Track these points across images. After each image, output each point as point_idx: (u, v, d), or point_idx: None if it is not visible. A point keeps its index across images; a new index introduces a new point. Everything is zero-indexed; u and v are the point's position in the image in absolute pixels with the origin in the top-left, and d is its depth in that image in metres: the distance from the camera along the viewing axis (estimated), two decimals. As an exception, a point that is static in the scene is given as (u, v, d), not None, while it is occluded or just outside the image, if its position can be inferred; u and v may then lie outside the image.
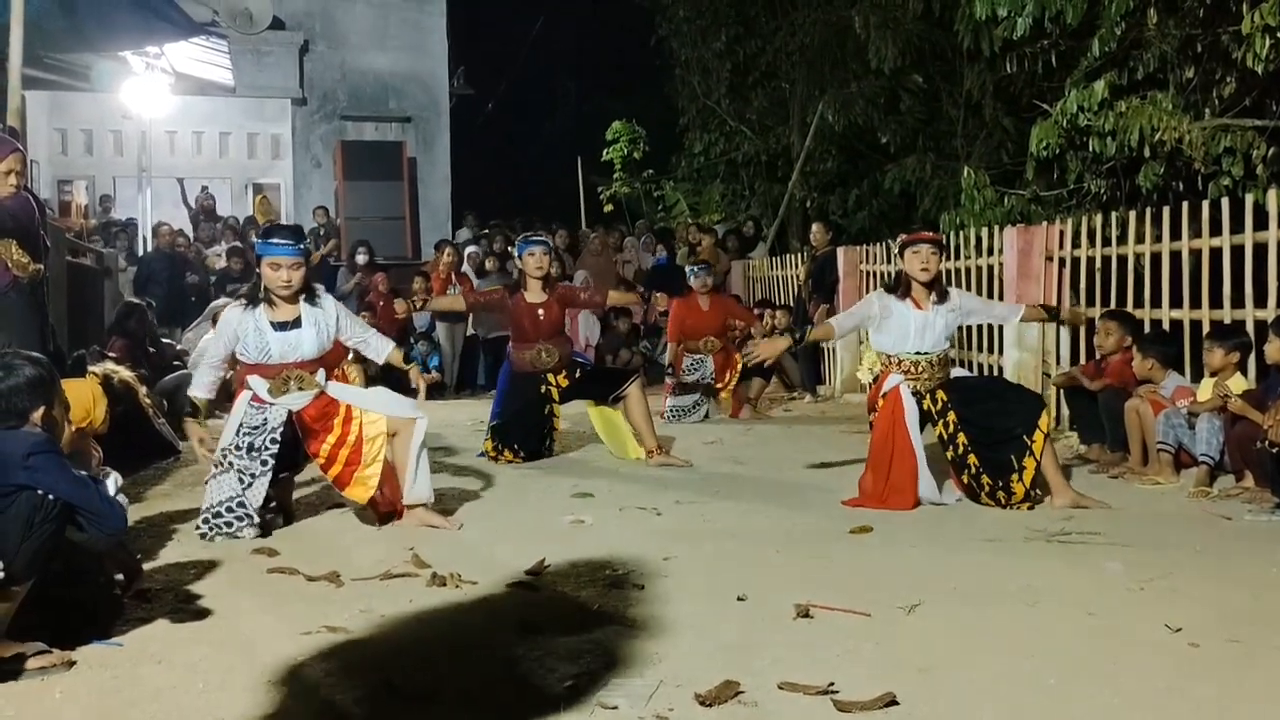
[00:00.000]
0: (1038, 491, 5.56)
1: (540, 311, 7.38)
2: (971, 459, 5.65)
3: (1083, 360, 7.86)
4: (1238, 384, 6.05)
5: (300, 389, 5.11)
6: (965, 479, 5.69)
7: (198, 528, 4.99)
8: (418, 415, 5.25)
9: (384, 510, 5.25)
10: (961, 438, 5.67)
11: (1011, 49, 10.59)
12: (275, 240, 5.18)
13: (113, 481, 3.68)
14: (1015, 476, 5.53)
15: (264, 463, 5.04)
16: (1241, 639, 3.39)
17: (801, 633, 3.54)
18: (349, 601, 3.97)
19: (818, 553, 4.66)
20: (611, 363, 13.21)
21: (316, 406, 5.15)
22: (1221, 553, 4.59)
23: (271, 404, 5.09)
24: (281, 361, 5.11)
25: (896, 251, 5.96)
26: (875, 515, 5.37)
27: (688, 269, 10.51)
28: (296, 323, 5.15)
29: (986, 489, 5.60)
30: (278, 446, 5.07)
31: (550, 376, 7.37)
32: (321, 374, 5.21)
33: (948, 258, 9.87)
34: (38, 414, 3.43)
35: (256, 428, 5.07)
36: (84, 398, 4.60)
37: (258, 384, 5.11)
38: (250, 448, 5.03)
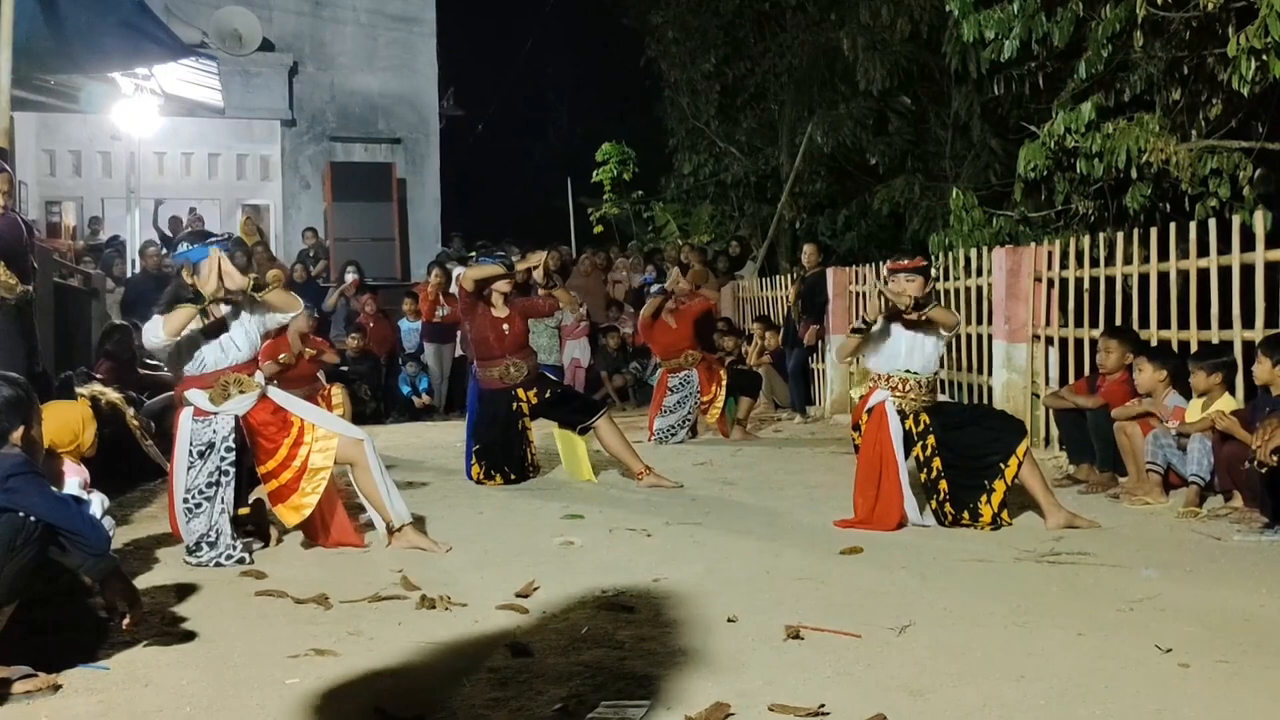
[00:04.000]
0: (1004, 516, 5.57)
1: (505, 326, 7.39)
2: (942, 485, 5.67)
3: (1072, 380, 7.86)
4: (1227, 403, 6.06)
5: (241, 392, 5.07)
6: (934, 504, 5.72)
7: (185, 560, 4.96)
8: (364, 437, 5.24)
9: (315, 540, 5.24)
10: (937, 462, 5.69)
11: (999, 71, 10.62)
12: (211, 240, 5.17)
13: (99, 503, 3.67)
14: (984, 498, 5.56)
15: (225, 473, 5.01)
16: (1231, 659, 3.39)
17: (792, 654, 3.54)
18: (337, 624, 3.96)
19: (808, 574, 4.65)
20: (608, 381, 13.27)
21: (263, 411, 5.12)
22: (1211, 573, 4.59)
23: (215, 413, 5.05)
24: (216, 369, 5.07)
25: (886, 274, 5.92)
26: (865, 536, 5.37)
27: (652, 290, 10.52)
28: (225, 327, 5.11)
29: (949, 519, 5.64)
30: (233, 454, 5.04)
31: (520, 392, 7.37)
32: (260, 375, 5.20)
33: (937, 279, 9.91)
34: (17, 434, 3.41)
35: (208, 445, 5.02)
36: (73, 420, 4.57)
37: (197, 397, 5.06)
38: (207, 472, 4.99)
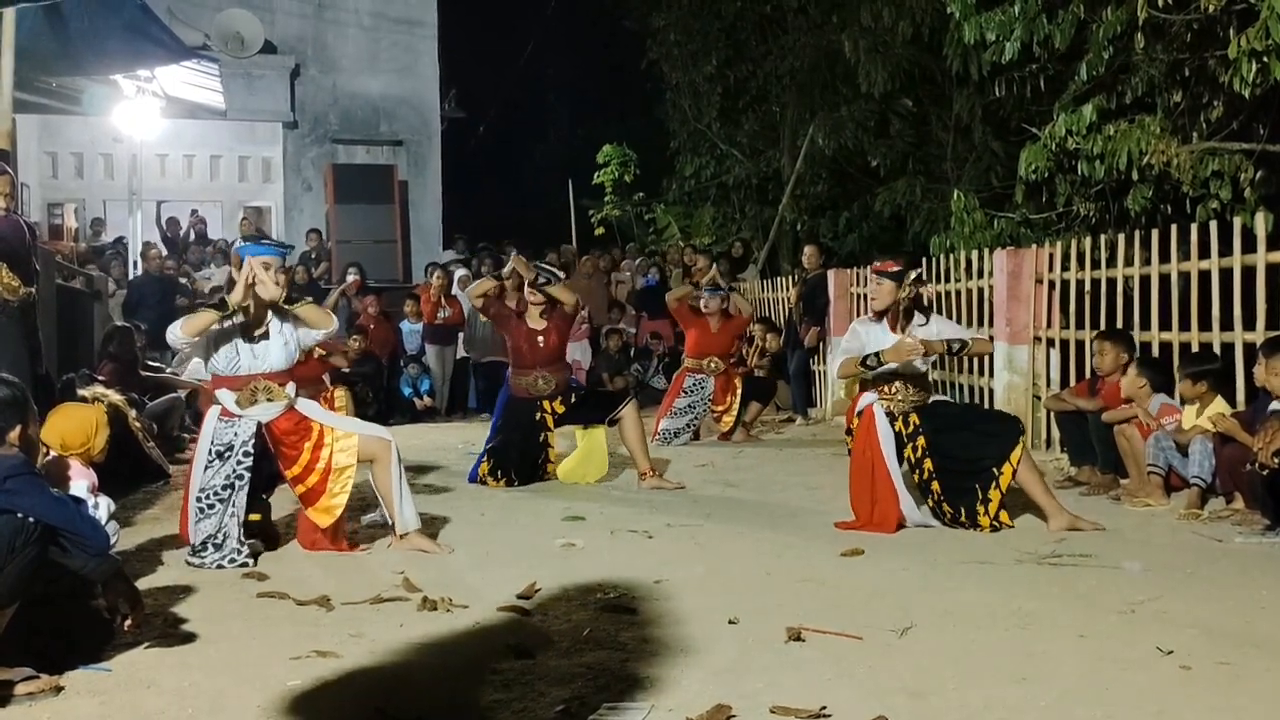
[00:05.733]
0: (1001, 521, 5.55)
1: (540, 338, 7.39)
2: (935, 485, 5.66)
3: (1073, 382, 7.86)
4: (1220, 407, 6.07)
5: (269, 400, 5.08)
6: (930, 504, 5.71)
7: (187, 560, 4.97)
8: (389, 437, 5.26)
9: (316, 546, 5.24)
10: (928, 463, 5.68)
11: (1000, 73, 10.62)
12: (265, 241, 5.21)
13: (105, 508, 3.67)
14: (981, 508, 5.54)
15: (240, 477, 5.02)
16: (1232, 661, 3.39)
17: (793, 656, 3.54)
18: (339, 626, 3.96)
19: (809, 575, 4.65)
20: (609, 383, 13.28)
21: (287, 420, 5.13)
22: (1212, 575, 4.59)
23: (240, 416, 5.06)
24: (250, 373, 5.09)
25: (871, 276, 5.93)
26: (866, 538, 5.36)
27: (704, 290, 10.46)
28: (265, 334, 5.13)
29: (947, 516, 5.62)
30: (251, 459, 5.04)
31: (545, 403, 7.38)
32: (291, 387, 5.20)
33: (938, 281, 9.92)
34: (14, 434, 3.41)
35: (227, 447, 5.03)
36: (87, 423, 4.58)
37: (225, 396, 5.09)
38: (224, 474, 5.00)
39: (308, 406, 5.29)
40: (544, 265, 7.80)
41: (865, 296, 11.04)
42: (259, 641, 3.78)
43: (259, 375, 5.09)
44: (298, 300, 5.25)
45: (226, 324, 5.04)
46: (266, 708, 3.14)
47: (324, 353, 9.05)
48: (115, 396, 7.26)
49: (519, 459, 7.38)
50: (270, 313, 5.14)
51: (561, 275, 7.85)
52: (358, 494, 5.49)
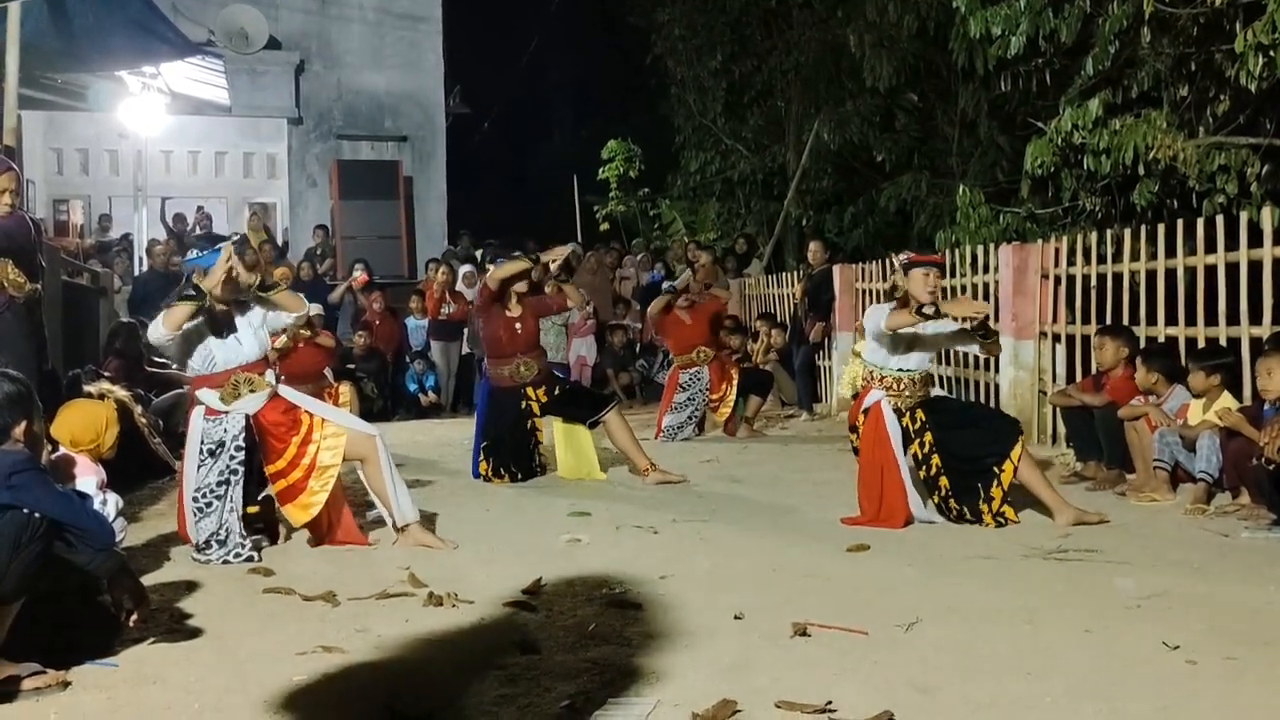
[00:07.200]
0: (1005, 517, 5.54)
1: (518, 325, 7.41)
2: (943, 481, 5.66)
3: (1079, 378, 7.85)
4: (1227, 403, 6.06)
5: (252, 391, 5.09)
6: (936, 500, 5.71)
7: (193, 557, 4.97)
8: (375, 432, 5.25)
9: (322, 539, 5.25)
10: (936, 459, 5.67)
11: (1006, 67, 10.60)
12: (203, 251, 5.24)
13: (114, 504, 3.67)
14: (984, 505, 5.54)
15: (234, 472, 5.03)
16: (1238, 656, 3.38)
17: (799, 651, 3.54)
18: (345, 621, 3.96)
19: (815, 571, 4.65)
20: (614, 379, 13.29)
21: (274, 410, 5.13)
22: (1218, 570, 4.59)
23: (226, 412, 5.07)
24: (227, 367, 5.09)
25: (900, 269, 5.79)
26: (872, 533, 5.36)
27: (664, 287, 10.50)
28: (232, 327, 5.14)
29: (954, 513, 5.62)
30: (243, 454, 5.05)
31: (530, 391, 7.39)
32: (270, 374, 5.21)
33: (943, 275, 9.90)
34: (19, 430, 3.41)
35: (218, 444, 5.04)
36: (96, 420, 4.58)
37: (208, 396, 5.09)
38: (218, 471, 5.01)
39: (294, 395, 5.29)
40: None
41: (870, 292, 11.07)
42: (265, 637, 3.79)
43: (237, 368, 5.10)
44: (273, 286, 5.23)
45: (195, 322, 5.00)
46: (272, 703, 3.14)
47: (309, 334, 8.98)
48: (121, 392, 7.25)
49: (513, 452, 7.40)
50: (233, 305, 5.14)
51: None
52: (363, 489, 5.48)
